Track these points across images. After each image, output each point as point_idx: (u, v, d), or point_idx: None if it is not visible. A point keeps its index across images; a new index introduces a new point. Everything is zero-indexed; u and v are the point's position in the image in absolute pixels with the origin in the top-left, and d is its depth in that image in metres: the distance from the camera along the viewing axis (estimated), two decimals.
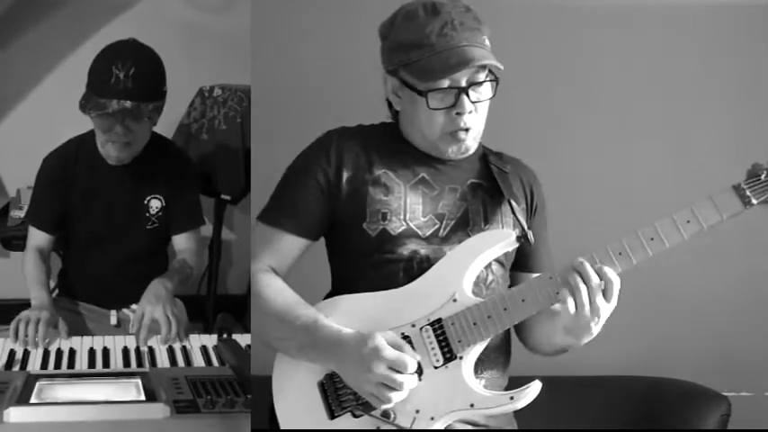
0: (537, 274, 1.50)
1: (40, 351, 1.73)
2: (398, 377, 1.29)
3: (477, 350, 1.37)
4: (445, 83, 1.40)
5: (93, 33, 3.00)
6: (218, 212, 2.92)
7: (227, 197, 2.78)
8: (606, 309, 1.31)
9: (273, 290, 1.45)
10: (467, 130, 1.43)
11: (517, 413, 1.44)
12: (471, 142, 1.47)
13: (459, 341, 1.36)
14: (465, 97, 1.40)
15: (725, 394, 1.93)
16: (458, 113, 1.41)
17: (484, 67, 1.40)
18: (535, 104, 2.15)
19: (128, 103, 1.82)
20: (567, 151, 2.15)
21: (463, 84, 1.40)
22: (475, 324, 1.36)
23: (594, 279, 1.30)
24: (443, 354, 1.36)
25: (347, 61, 2.17)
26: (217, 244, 2.96)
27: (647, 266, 1.36)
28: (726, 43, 2.17)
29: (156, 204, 2.09)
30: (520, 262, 1.55)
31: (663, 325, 2.23)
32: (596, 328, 1.32)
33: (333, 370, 1.38)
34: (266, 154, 2.22)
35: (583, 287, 1.30)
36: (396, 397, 1.31)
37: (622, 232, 1.35)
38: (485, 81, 1.42)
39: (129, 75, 1.81)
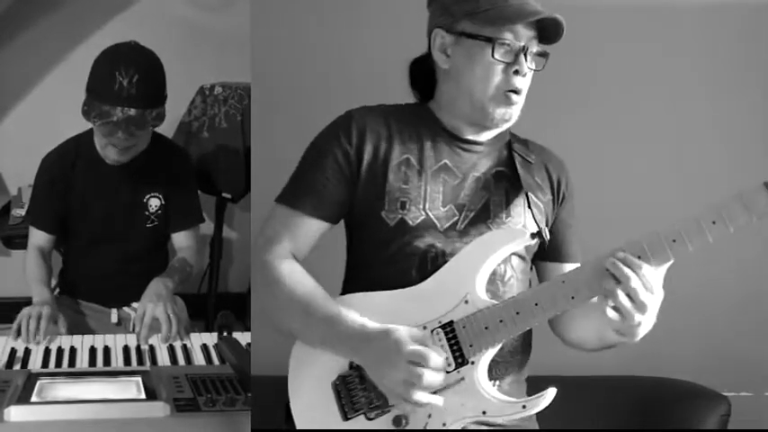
0: (568, 265, 1.49)
1: (41, 350, 1.73)
2: (420, 370, 1.26)
3: (489, 354, 1.33)
4: (509, 36, 1.40)
5: (93, 33, 3.00)
6: (218, 211, 2.92)
7: (228, 195, 2.78)
8: (653, 300, 1.27)
9: (296, 278, 1.41)
10: (518, 92, 1.43)
11: None
12: (516, 111, 1.45)
13: (471, 345, 1.32)
14: (524, 57, 1.41)
15: (725, 394, 1.93)
16: (516, 71, 1.41)
17: (544, 35, 1.41)
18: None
19: (132, 111, 1.81)
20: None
21: (522, 43, 1.41)
22: (486, 328, 1.32)
23: (631, 277, 1.25)
24: (455, 358, 1.32)
25: (347, 59, 2.17)
26: (218, 242, 2.96)
27: None
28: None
29: (155, 203, 2.09)
30: (548, 252, 1.51)
31: (663, 325, 2.22)
32: (648, 322, 1.29)
33: (356, 364, 1.36)
34: (266, 152, 2.22)
35: (619, 291, 1.25)
36: (420, 397, 1.27)
37: (645, 232, 1.30)
38: (537, 52, 1.43)
39: (133, 81, 1.80)
